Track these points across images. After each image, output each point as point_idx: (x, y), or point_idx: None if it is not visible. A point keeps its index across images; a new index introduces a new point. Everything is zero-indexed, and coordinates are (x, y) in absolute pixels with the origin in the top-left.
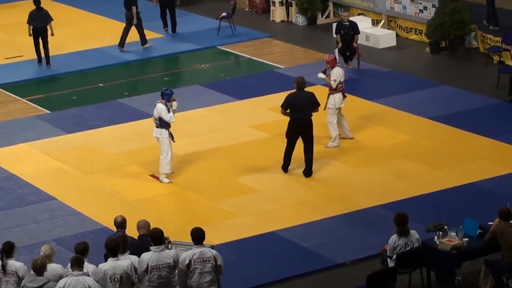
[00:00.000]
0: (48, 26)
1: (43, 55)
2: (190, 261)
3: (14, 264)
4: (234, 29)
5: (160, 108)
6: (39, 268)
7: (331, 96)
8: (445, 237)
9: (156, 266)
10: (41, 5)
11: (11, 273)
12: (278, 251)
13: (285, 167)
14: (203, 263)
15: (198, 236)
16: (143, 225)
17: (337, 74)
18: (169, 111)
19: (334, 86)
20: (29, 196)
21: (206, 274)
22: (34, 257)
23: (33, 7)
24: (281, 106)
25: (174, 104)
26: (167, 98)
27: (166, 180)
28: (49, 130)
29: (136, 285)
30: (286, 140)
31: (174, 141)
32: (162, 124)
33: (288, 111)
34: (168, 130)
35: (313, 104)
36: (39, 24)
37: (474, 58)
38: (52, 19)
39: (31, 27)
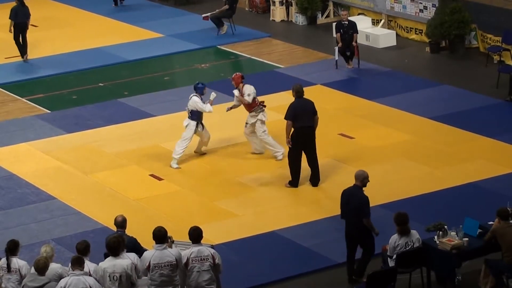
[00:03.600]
0: (28, 22)
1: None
2: (188, 259)
3: (18, 262)
4: (234, 28)
5: (195, 101)
6: (41, 268)
7: (251, 114)
8: (445, 237)
9: (158, 265)
10: (24, 1)
11: (14, 271)
12: (278, 251)
13: (296, 182)
14: (201, 262)
15: (195, 235)
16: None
17: (250, 89)
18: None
19: (250, 100)
20: (29, 195)
21: (204, 272)
22: (35, 257)
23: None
24: (287, 118)
25: (213, 95)
26: (199, 91)
27: (175, 166)
28: (49, 129)
29: (136, 285)
30: (291, 149)
31: (202, 129)
32: (194, 117)
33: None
34: (198, 122)
35: (314, 112)
36: (22, 19)
37: (474, 58)
38: (30, 15)
39: (13, 22)
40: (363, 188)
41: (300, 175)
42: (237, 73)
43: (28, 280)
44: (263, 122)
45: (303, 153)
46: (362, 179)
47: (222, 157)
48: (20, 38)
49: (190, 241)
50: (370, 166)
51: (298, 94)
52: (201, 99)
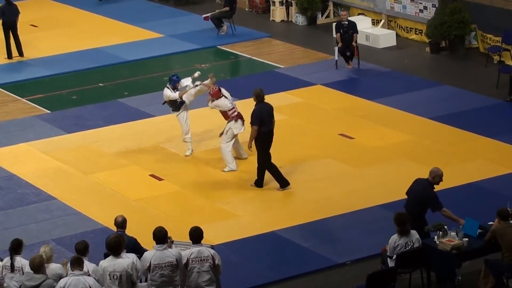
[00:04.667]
0: (17, 20)
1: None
2: (188, 260)
3: (21, 261)
4: (234, 29)
5: (165, 94)
6: (37, 266)
7: (228, 124)
8: (445, 237)
9: (159, 265)
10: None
11: (18, 269)
12: (278, 251)
13: (285, 181)
14: (201, 262)
15: (196, 235)
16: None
17: (223, 105)
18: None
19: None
20: (29, 196)
21: (204, 273)
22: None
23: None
24: (254, 124)
25: (198, 73)
26: (173, 84)
27: (189, 152)
28: (49, 130)
29: (136, 285)
30: (262, 155)
31: (185, 122)
32: (173, 108)
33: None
34: (181, 108)
35: (272, 115)
36: (10, 18)
37: (474, 58)
38: (19, 13)
39: (1, 21)
40: (434, 186)
41: (283, 174)
42: (215, 87)
43: (25, 279)
44: (232, 133)
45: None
46: (434, 176)
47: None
48: (12, 38)
49: (190, 242)
50: (370, 166)
51: (259, 98)
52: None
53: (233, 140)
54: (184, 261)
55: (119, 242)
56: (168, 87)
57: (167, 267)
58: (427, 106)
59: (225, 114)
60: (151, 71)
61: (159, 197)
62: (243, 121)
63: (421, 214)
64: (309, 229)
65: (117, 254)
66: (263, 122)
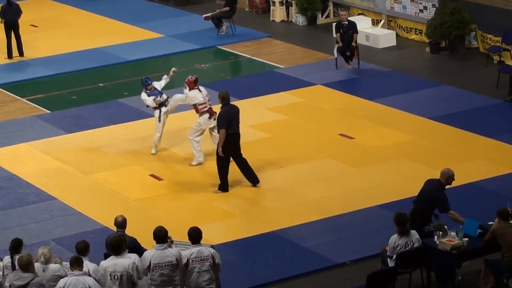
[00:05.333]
0: (19, 20)
1: (14, 51)
2: (188, 260)
3: None
4: (234, 29)
5: (141, 98)
6: (25, 265)
7: (198, 118)
8: (445, 237)
9: (159, 265)
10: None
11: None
12: (278, 251)
13: (226, 187)
14: (201, 262)
15: (195, 235)
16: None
17: (194, 97)
18: (148, 96)
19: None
20: (29, 196)
21: (204, 273)
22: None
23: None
24: (222, 128)
25: (173, 69)
26: (144, 86)
27: (153, 151)
28: (49, 130)
29: (137, 285)
30: (221, 156)
31: (159, 121)
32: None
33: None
34: (158, 111)
35: (239, 117)
36: (11, 17)
37: (474, 58)
38: (21, 12)
39: (3, 20)
40: (446, 187)
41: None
42: (192, 76)
43: (14, 278)
44: (200, 127)
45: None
46: (447, 177)
47: None
48: (13, 37)
49: (188, 241)
50: (370, 166)
51: (225, 101)
52: (149, 93)
53: (202, 134)
54: (184, 261)
55: (119, 242)
56: (144, 91)
57: (167, 266)
58: (427, 106)
59: (195, 107)
60: (151, 71)
61: (159, 197)
62: (213, 116)
63: (428, 213)
64: (309, 229)
65: (117, 254)
66: (230, 124)
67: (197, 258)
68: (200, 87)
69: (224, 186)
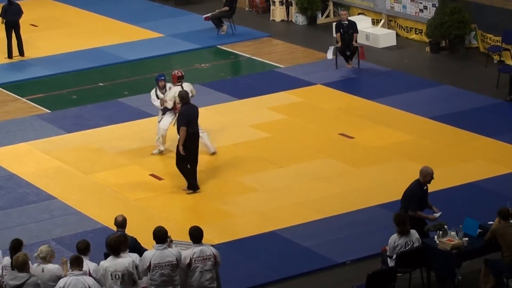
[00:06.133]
0: (19, 20)
1: (15, 51)
2: (190, 260)
3: None
4: (234, 28)
5: (150, 94)
6: (20, 265)
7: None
8: (445, 237)
9: (159, 264)
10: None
11: None
12: (278, 251)
13: (196, 185)
14: (204, 262)
15: (196, 235)
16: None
17: (175, 91)
18: (157, 97)
19: (169, 106)
20: (29, 195)
21: (207, 272)
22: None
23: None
24: (183, 126)
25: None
26: (156, 82)
27: (155, 151)
28: (49, 129)
29: (138, 284)
30: (182, 155)
31: (158, 123)
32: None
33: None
34: (161, 112)
35: (198, 117)
36: (12, 17)
37: (474, 58)
38: (22, 12)
39: (4, 20)
40: (427, 185)
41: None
42: (178, 71)
43: (9, 278)
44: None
45: None
46: (425, 175)
47: (222, 157)
48: (14, 37)
49: (189, 241)
50: (370, 166)
51: (184, 100)
52: (160, 90)
53: (168, 126)
54: (187, 261)
55: (118, 242)
56: (156, 89)
57: (167, 266)
58: (427, 106)
59: (175, 104)
60: (151, 71)
61: (159, 197)
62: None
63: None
64: (309, 229)
65: (117, 253)
66: (190, 123)
67: (199, 257)
68: (185, 84)
69: (193, 185)
